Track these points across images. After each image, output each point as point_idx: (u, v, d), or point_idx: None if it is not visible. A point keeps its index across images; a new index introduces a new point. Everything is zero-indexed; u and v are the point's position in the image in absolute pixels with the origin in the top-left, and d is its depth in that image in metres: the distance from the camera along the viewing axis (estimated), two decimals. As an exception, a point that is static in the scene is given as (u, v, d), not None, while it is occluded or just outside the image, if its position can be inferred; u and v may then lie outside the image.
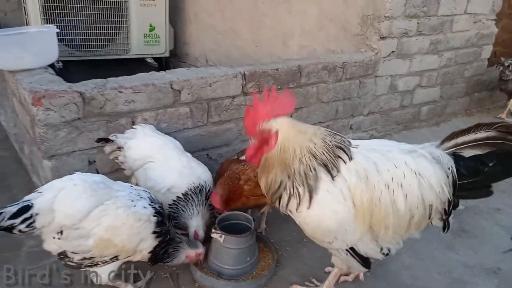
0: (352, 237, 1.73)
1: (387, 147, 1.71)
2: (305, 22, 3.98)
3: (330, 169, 1.56)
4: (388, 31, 3.33)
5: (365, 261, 1.81)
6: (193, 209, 2.12)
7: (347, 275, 2.13)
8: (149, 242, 1.83)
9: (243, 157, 2.43)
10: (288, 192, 1.58)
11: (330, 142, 1.58)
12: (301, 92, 3.06)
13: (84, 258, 1.77)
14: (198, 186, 2.15)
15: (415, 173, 1.60)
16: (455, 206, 1.67)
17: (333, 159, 1.56)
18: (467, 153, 1.60)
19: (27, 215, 1.61)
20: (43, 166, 2.24)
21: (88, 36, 4.55)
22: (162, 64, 5.24)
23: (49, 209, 1.65)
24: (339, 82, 3.24)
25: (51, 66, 2.70)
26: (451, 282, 2.17)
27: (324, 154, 1.56)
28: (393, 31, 3.37)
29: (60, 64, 4.51)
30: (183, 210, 2.12)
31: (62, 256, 1.77)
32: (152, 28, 4.86)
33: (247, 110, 1.64)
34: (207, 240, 2.13)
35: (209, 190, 2.21)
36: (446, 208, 1.63)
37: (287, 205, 1.62)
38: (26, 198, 1.67)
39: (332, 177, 1.56)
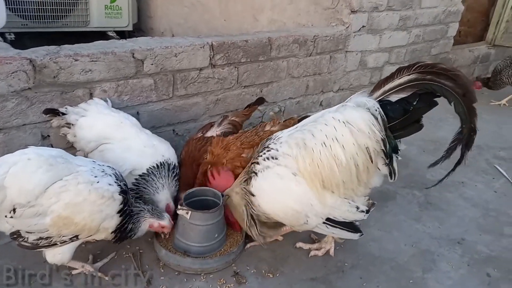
0: (320, 208, 1.78)
1: (320, 114, 1.85)
2: (275, -5, 3.86)
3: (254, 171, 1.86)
4: (359, 4, 3.27)
5: (350, 226, 1.87)
6: (156, 183, 2.02)
7: (318, 249, 2.11)
8: (114, 221, 1.73)
9: (208, 134, 2.34)
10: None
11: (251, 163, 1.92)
12: (272, 66, 2.97)
13: (40, 238, 1.66)
14: (162, 162, 2.04)
15: (344, 123, 1.72)
16: (395, 148, 1.75)
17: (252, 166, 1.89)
18: (394, 97, 1.72)
19: None
20: (-10, 141, 2.04)
21: (43, 6, 4.24)
22: (125, 39, 4.98)
23: None
24: (310, 57, 3.17)
25: (2, 37, 2.47)
26: (418, 253, 2.20)
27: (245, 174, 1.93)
28: (363, 5, 3.31)
29: (12, 36, 4.20)
30: (144, 187, 2.01)
31: (15, 236, 1.66)
32: (113, -1, 4.58)
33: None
34: (175, 217, 2.03)
35: (174, 166, 2.10)
36: (384, 149, 1.70)
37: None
38: None
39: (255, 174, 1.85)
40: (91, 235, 1.73)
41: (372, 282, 1.98)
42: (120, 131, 2.06)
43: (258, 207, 1.85)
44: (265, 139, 1.94)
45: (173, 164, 2.09)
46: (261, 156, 1.85)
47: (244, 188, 1.88)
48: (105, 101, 2.19)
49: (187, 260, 1.92)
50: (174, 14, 5.02)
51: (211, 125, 2.42)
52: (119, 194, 1.72)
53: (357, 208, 1.83)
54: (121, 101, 2.31)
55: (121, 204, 1.72)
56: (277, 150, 1.82)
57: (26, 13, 4.18)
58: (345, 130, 1.70)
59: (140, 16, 5.35)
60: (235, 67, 2.76)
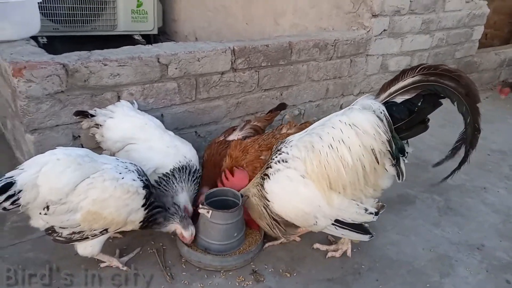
0: (328, 210, 1.83)
1: (328, 117, 1.91)
2: (297, -1, 3.91)
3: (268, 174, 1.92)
4: (380, 8, 3.28)
5: (359, 228, 1.91)
6: (176, 185, 2.10)
7: (335, 251, 2.14)
8: (140, 214, 1.83)
9: (229, 138, 2.41)
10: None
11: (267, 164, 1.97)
12: (292, 70, 3.02)
13: (73, 233, 1.76)
14: (184, 165, 2.13)
15: (350, 125, 1.76)
16: (402, 149, 1.78)
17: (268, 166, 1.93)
18: (399, 99, 1.77)
19: (10, 192, 1.59)
20: (26, 141, 2.18)
21: (74, 11, 4.43)
22: (150, 42, 5.13)
23: (32, 185, 1.63)
24: (330, 61, 3.20)
25: (36, 41, 2.62)
26: (436, 257, 2.20)
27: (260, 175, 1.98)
28: (385, 9, 3.32)
29: (45, 39, 4.40)
30: (165, 188, 2.09)
31: (50, 232, 1.76)
32: (139, 4, 4.74)
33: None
34: (194, 216, 2.11)
35: (195, 168, 2.18)
36: (390, 150, 1.74)
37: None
38: (8, 175, 1.64)
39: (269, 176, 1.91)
40: (119, 228, 1.84)
41: (388, 285, 2.00)
42: (144, 132, 2.15)
43: (271, 209, 1.91)
44: (279, 142, 1.99)
45: (195, 167, 2.17)
46: (273, 159, 1.91)
47: (260, 190, 1.94)
48: (132, 103, 2.30)
49: (208, 257, 1.99)
50: (198, 18, 5.13)
51: (233, 129, 2.48)
52: (143, 189, 1.81)
53: (366, 210, 1.86)
54: (146, 103, 2.42)
55: (144, 198, 1.81)
56: (287, 153, 1.87)
57: (58, 18, 4.38)
58: (351, 132, 1.74)
59: (165, 20, 5.50)
60: (256, 71, 2.82)
